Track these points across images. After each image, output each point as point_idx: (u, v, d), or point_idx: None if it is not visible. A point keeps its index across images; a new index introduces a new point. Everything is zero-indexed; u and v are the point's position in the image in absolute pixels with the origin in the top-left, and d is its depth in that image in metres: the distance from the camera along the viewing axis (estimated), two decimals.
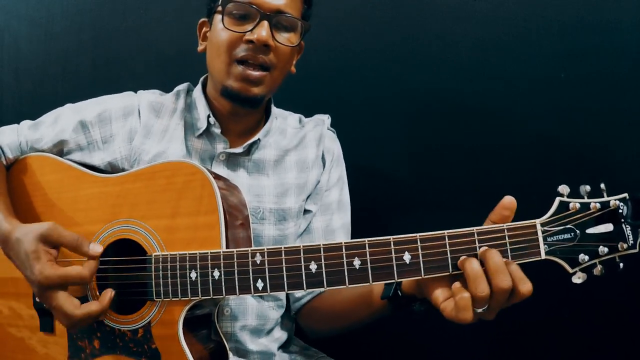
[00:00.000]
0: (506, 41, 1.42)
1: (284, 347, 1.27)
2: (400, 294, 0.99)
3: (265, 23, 1.08)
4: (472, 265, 0.81)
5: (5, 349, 1.14)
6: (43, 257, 0.97)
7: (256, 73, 1.10)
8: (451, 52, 1.47)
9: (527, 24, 1.41)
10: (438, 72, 1.48)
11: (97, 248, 1.01)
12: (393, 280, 0.87)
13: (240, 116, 1.20)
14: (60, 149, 1.21)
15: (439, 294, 0.86)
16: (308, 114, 1.35)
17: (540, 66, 1.40)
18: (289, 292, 0.91)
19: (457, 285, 0.83)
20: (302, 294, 1.24)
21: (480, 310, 0.81)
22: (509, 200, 0.84)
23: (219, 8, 1.12)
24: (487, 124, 1.44)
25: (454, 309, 0.83)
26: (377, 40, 1.52)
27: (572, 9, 1.37)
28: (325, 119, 1.32)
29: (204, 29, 1.22)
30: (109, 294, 1.00)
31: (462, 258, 0.83)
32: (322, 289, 1.19)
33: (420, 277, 0.85)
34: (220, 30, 1.11)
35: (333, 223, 1.26)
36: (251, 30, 1.08)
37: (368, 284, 0.87)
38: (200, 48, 1.23)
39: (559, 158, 1.38)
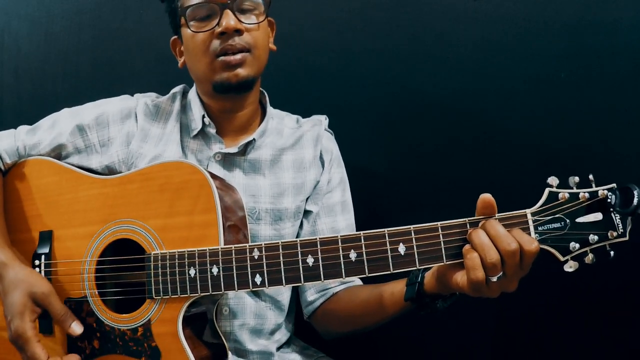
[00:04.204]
0: (506, 41, 1.42)
1: (283, 347, 1.27)
2: (423, 293, 0.99)
3: (228, 12, 1.11)
4: (479, 235, 0.84)
5: (4, 350, 1.14)
6: (27, 315, 1.03)
7: (236, 56, 1.12)
8: (451, 52, 1.46)
9: (527, 24, 1.41)
10: (438, 72, 1.48)
11: (77, 329, 1.05)
12: (414, 268, 0.88)
13: (235, 112, 1.22)
14: (58, 152, 1.22)
15: (459, 277, 0.88)
16: (307, 114, 1.35)
17: (540, 66, 1.40)
18: (286, 285, 0.93)
19: (466, 247, 0.85)
20: (314, 297, 1.24)
21: (495, 278, 0.83)
22: (486, 198, 0.86)
23: (182, 20, 1.16)
24: (487, 123, 1.44)
25: (467, 271, 0.84)
26: (377, 40, 1.52)
27: (572, 9, 1.37)
28: (323, 119, 1.33)
29: (177, 47, 1.25)
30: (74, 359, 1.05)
31: (469, 231, 0.85)
32: (334, 291, 1.23)
33: (415, 267, 0.88)
34: (191, 37, 1.15)
35: (338, 224, 1.26)
36: (217, 23, 1.11)
37: (364, 275, 0.89)
38: (180, 63, 1.25)
39: (559, 157, 1.38)
